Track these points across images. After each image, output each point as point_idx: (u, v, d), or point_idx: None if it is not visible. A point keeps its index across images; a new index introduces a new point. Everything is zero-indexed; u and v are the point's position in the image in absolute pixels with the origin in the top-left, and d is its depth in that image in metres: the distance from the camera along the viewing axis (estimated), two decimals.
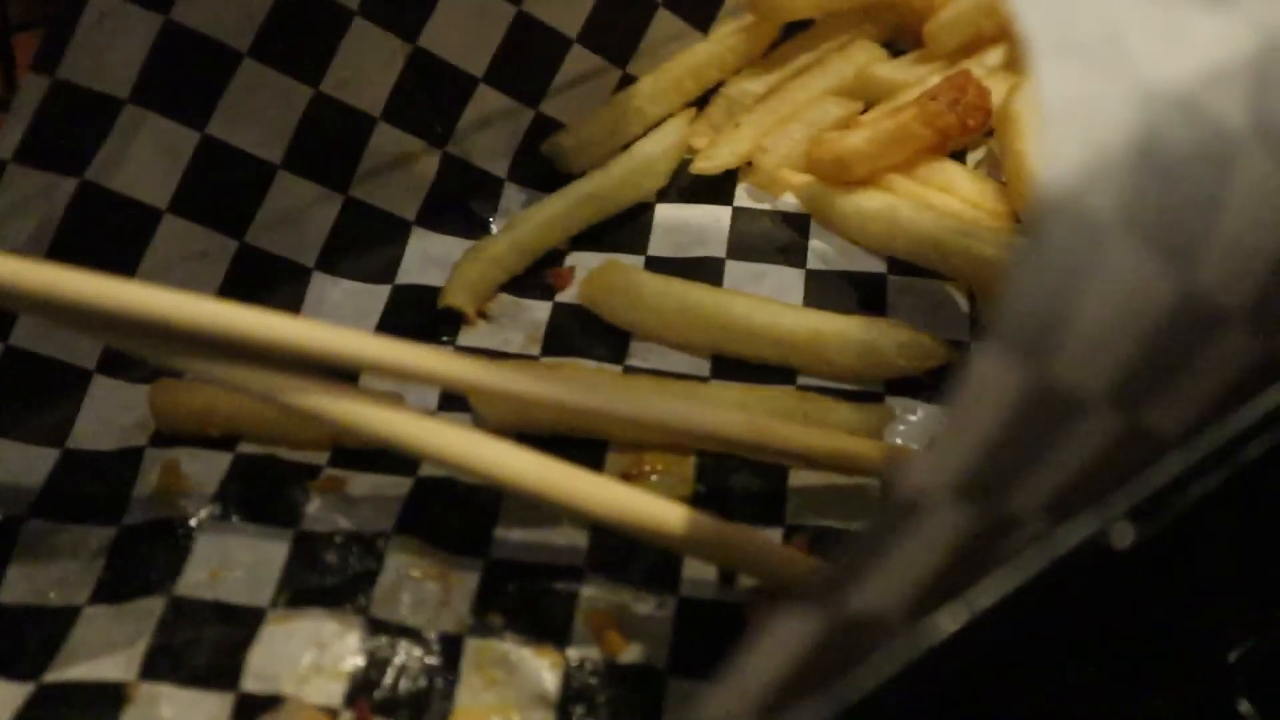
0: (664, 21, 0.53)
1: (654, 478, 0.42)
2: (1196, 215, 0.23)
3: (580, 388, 0.40)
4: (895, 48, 0.55)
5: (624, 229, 0.50)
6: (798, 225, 0.49)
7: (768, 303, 0.45)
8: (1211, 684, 0.35)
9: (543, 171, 0.51)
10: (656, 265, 0.48)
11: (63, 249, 0.42)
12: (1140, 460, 0.27)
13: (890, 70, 0.52)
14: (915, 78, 0.51)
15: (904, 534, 0.24)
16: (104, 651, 0.37)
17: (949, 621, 0.24)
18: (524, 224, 0.48)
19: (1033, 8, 0.23)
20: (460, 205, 0.50)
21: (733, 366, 0.45)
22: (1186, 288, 0.24)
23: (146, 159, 0.43)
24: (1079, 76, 0.22)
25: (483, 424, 0.43)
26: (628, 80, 0.53)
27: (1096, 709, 0.33)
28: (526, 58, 0.49)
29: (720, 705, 0.24)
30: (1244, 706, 0.34)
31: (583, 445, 0.42)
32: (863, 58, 0.53)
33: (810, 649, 0.24)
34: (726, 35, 0.53)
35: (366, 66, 0.46)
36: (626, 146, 0.51)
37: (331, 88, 0.46)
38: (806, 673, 0.25)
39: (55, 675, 0.36)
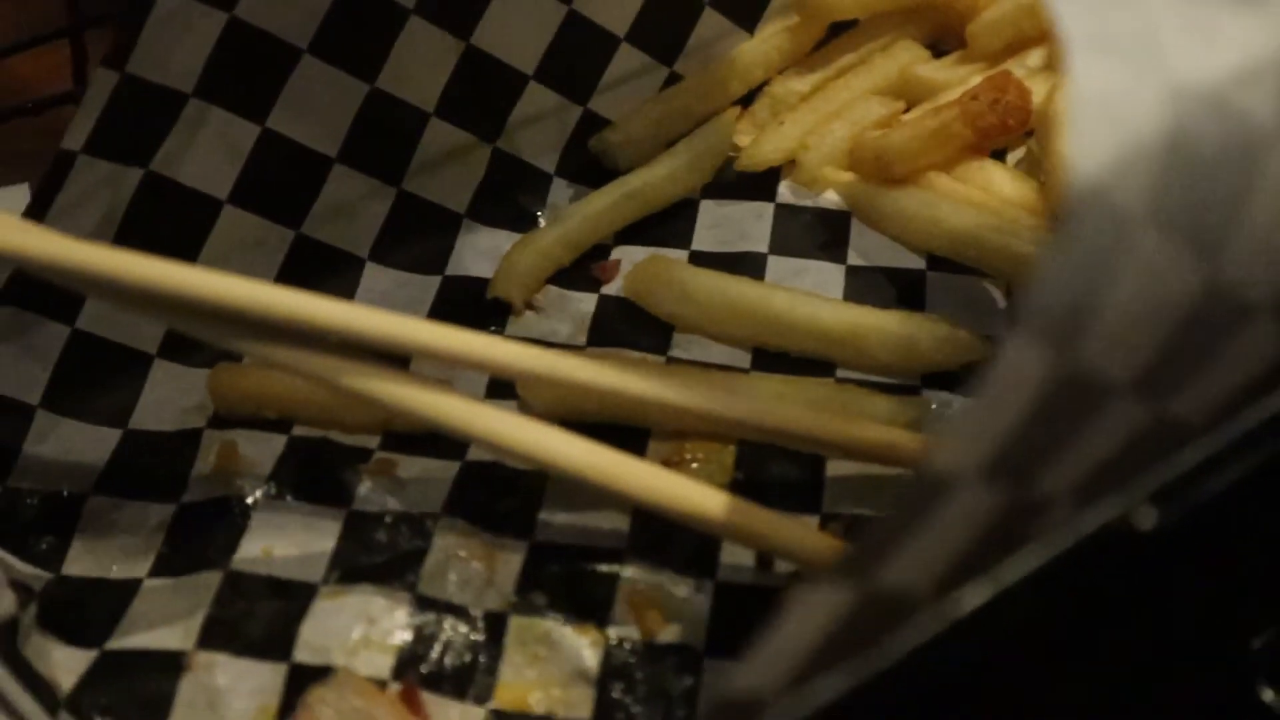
0: (710, 21, 0.54)
1: (694, 465, 0.43)
2: (1223, 210, 0.24)
3: (623, 376, 0.41)
4: (938, 48, 0.55)
5: (669, 224, 0.51)
6: (839, 222, 0.50)
7: (808, 297, 0.46)
8: (1234, 671, 0.35)
9: (590, 167, 0.52)
10: (700, 259, 0.49)
11: (128, 236, 0.44)
12: (1166, 449, 0.28)
13: (932, 70, 0.53)
14: (957, 78, 0.52)
15: (933, 512, 0.25)
16: (163, 622, 0.38)
17: (974, 597, 0.25)
18: (571, 218, 0.49)
19: (1069, 6, 0.24)
20: (509, 199, 0.51)
21: (773, 359, 0.46)
22: (1213, 280, 0.25)
23: (208, 151, 0.45)
24: (1112, 72, 0.23)
25: (529, 410, 0.44)
26: (674, 79, 0.54)
27: (1118, 692, 0.33)
28: (576, 56, 0.51)
29: (751, 677, 0.25)
30: (1268, 695, 0.34)
31: (625, 432, 0.43)
32: (906, 58, 0.54)
33: (839, 621, 0.25)
34: (772, 35, 0.54)
35: (420, 64, 0.47)
36: (672, 143, 0.52)
37: (386, 84, 0.47)
38: (835, 645, 0.26)
39: (117, 643, 0.38)
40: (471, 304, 0.48)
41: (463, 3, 0.47)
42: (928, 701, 0.28)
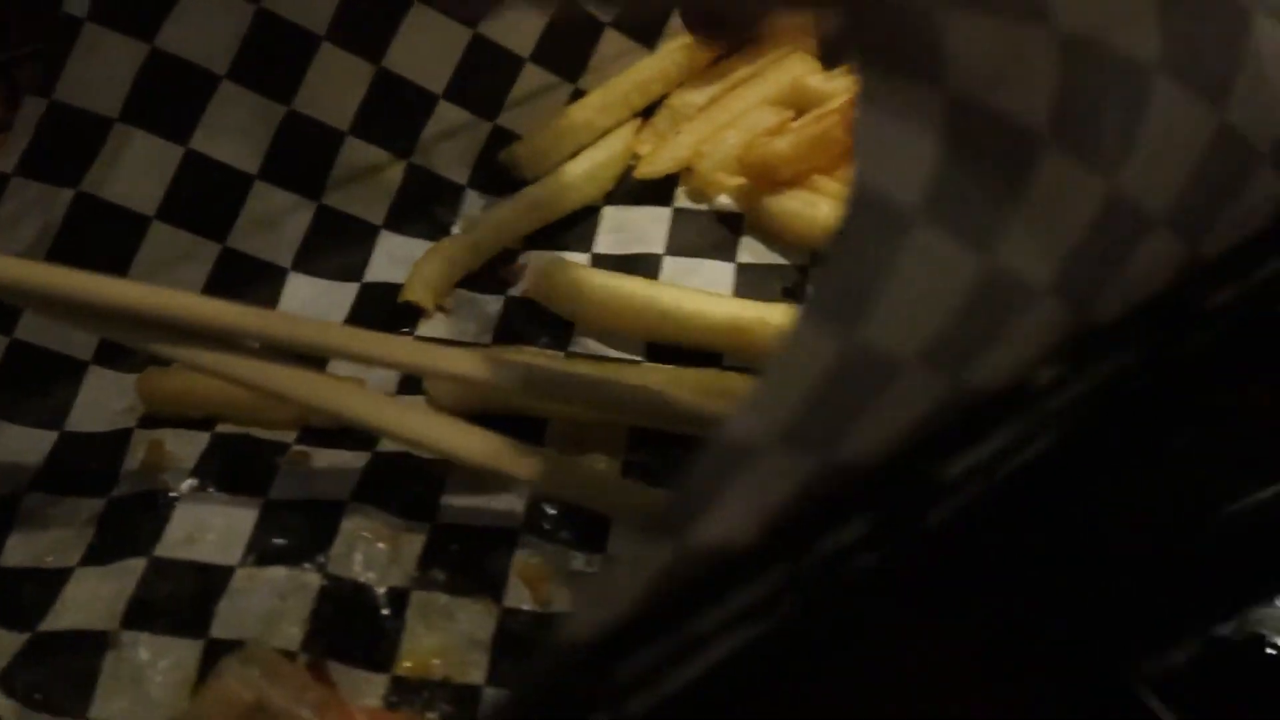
0: (611, 39, 0.57)
1: (590, 450, 0.46)
2: (998, 206, 0.27)
3: (520, 370, 0.44)
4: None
5: (573, 229, 0.54)
6: (731, 223, 0.54)
7: (695, 293, 0.49)
8: (1126, 694, 0.38)
9: (501, 178, 0.56)
10: (600, 261, 0.53)
11: (62, 252, 0.47)
12: (968, 413, 0.31)
13: (821, 81, 0.57)
14: (843, 88, 0.56)
15: (737, 476, 0.27)
16: (91, 605, 0.42)
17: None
18: (480, 226, 0.53)
19: (865, 29, 0.27)
20: (424, 210, 0.54)
21: (667, 352, 0.49)
22: (989, 266, 0.28)
23: (135, 171, 0.48)
24: (897, 88, 0.26)
25: (435, 404, 0.47)
26: (579, 94, 0.57)
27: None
28: (482, 75, 0.54)
29: (579, 628, 0.28)
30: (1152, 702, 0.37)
31: (525, 422, 0.46)
32: (798, 69, 0.58)
33: (661, 577, 0.28)
34: (671, 51, 0.58)
35: (334, 86, 0.51)
36: (577, 154, 0.55)
37: (303, 105, 0.50)
38: (661, 598, 0.29)
39: (47, 626, 0.41)
40: (386, 308, 0.51)
41: (373, 28, 0.51)
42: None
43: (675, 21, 0.59)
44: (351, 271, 0.53)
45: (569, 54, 0.57)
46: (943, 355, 0.29)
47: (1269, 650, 0.37)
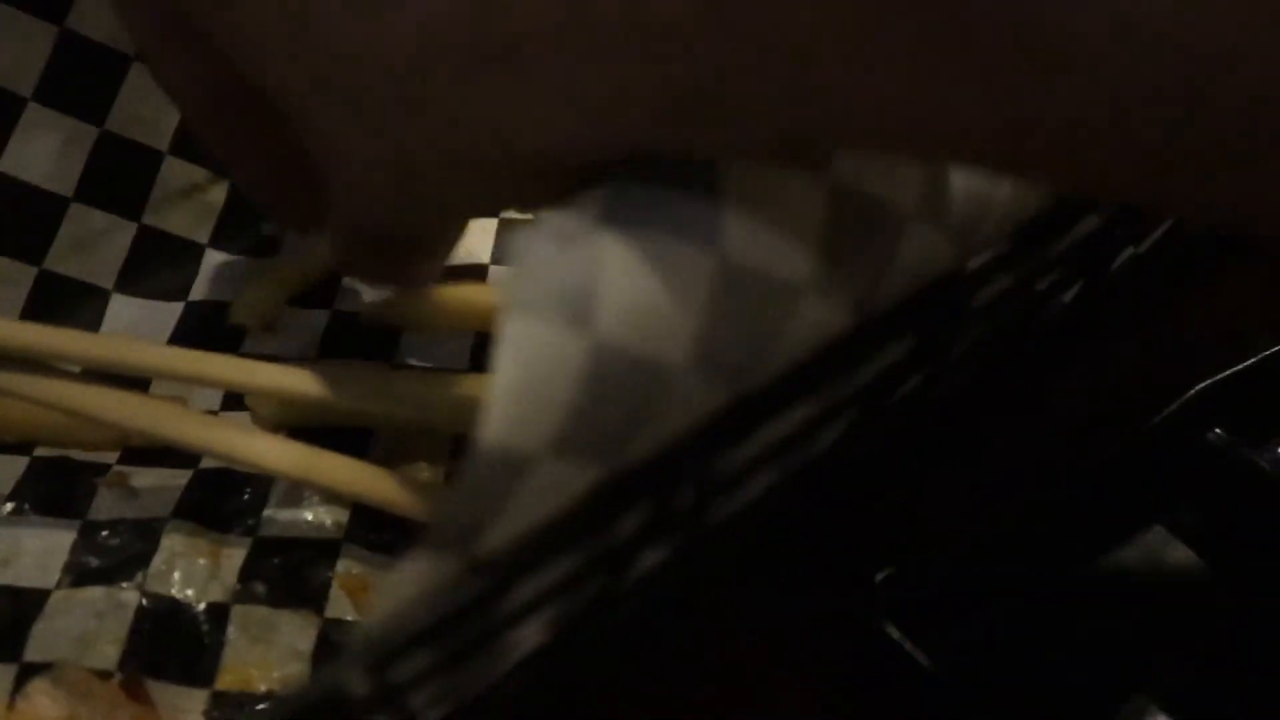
0: None
1: (414, 459, 0.47)
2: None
3: (341, 385, 0.45)
4: None
5: None
6: None
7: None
8: (863, 605, 0.40)
9: None
10: None
11: None
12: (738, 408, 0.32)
13: None
14: None
15: (514, 485, 0.28)
16: None
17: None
18: (310, 253, 0.53)
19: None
20: (250, 227, 0.54)
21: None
22: (721, 260, 0.29)
23: None
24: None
25: (259, 420, 0.47)
26: None
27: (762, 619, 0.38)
28: None
29: (373, 632, 0.28)
30: (891, 630, 0.39)
31: (351, 434, 0.47)
32: None
33: (455, 584, 0.29)
34: None
35: (149, 106, 0.51)
36: None
37: (116, 126, 0.50)
38: (443, 604, 0.29)
39: None
40: (212, 326, 0.51)
41: None
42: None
43: None
44: (175, 291, 0.52)
45: None
46: (719, 359, 0.30)
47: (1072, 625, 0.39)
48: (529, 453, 0.26)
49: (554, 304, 0.25)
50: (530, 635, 0.32)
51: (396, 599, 0.28)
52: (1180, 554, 0.39)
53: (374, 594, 0.43)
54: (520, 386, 0.25)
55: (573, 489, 0.28)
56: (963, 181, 0.33)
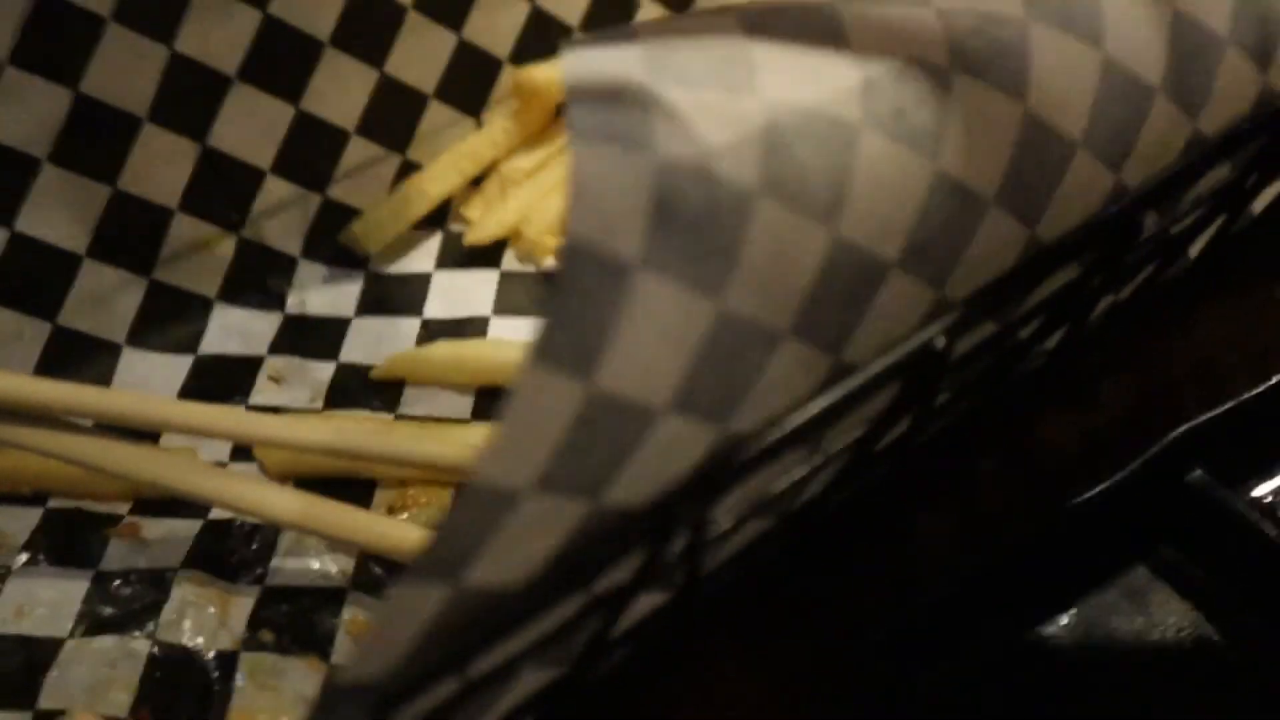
0: (438, 111, 0.60)
1: (416, 510, 0.48)
2: (719, 255, 0.30)
3: (347, 435, 0.46)
4: None
5: (404, 293, 0.56)
6: None
7: (508, 344, 0.52)
8: (854, 645, 0.41)
9: (336, 246, 0.58)
10: (431, 326, 0.55)
11: None
12: (730, 461, 0.33)
13: None
14: None
15: (502, 518, 0.29)
16: None
17: None
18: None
19: (578, 108, 0.29)
20: (257, 282, 0.56)
21: (495, 409, 0.51)
22: (722, 313, 0.31)
23: None
24: (605, 155, 0.28)
25: (267, 471, 0.49)
26: (407, 164, 0.60)
27: None
28: (309, 150, 0.56)
29: (363, 668, 0.29)
30: (883, 668, 0.40)
31: (356, 485, 0.48)
32: None
33: (442, 615, 0.30)
34: (500, 119, 0.60)
35: (159, 165, 0.52)
36: (414, 225, 0.58)
37: (128, 184, 0.52)
38: (451, 633, 0.30)
39: None
40: (222, 379, 0.53)
41: (195, 108, 0.52)
42: None
43: (500, 91, 0.61)
44: (186, 344, 0.54)
45: (396, 127, 0.59)
46: (700, 403, 0.31)
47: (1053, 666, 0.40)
48: (515, 487, 0.28)
49: (564, 355, 0.27)
50: (528, 678, 0.33)
51: (384, 627, 0.29)
52: (1162, 594, 0.40)
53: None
54: (514, 428, 0.27)
55: (559, 523, 0.30)
56: (942, 235, 0.34)
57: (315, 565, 0.46)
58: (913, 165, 0.33)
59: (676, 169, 0.29)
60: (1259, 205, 0.51)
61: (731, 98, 0.32)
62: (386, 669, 0.30)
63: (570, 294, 0.27)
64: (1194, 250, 0.50)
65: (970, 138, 0.34)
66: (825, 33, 0.33)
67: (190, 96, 0.52)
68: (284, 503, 0.43)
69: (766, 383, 0.33)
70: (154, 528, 0.47)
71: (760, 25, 0.32)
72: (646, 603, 0.36)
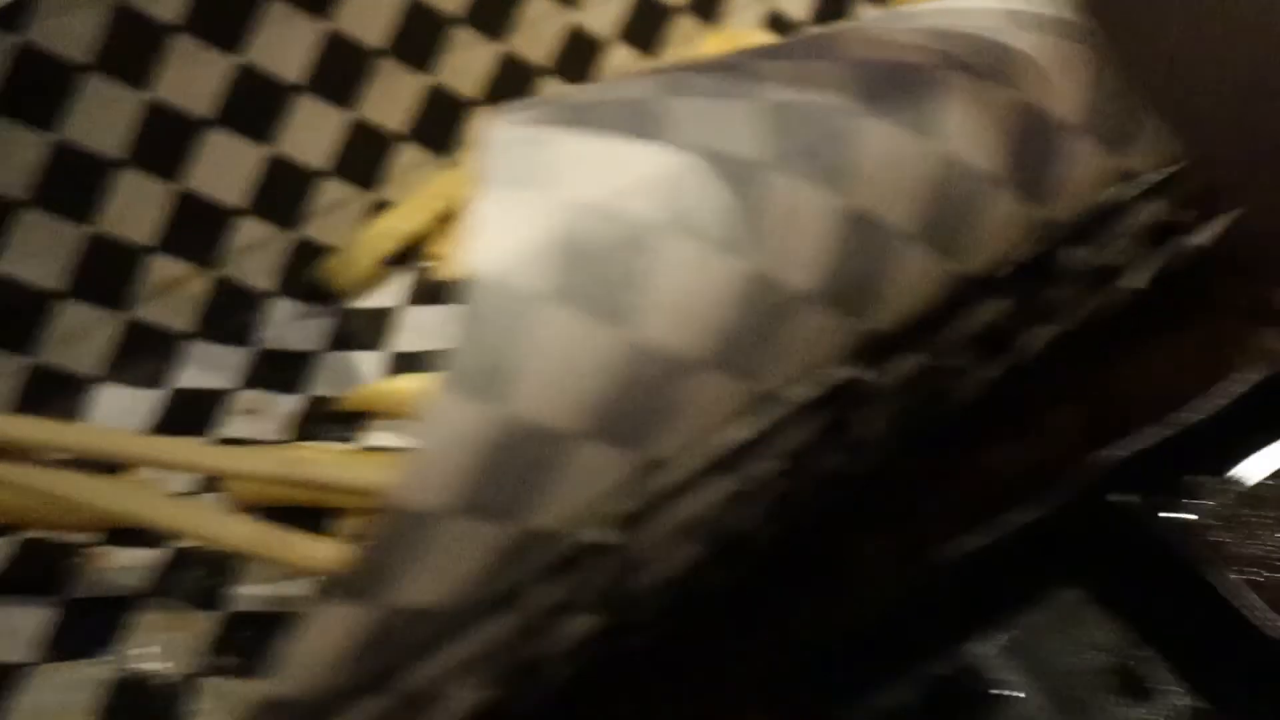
0: (409, 152, 0.61)
1: None
2: (626, 285, 0.31)
3: (308, 466, 0.47)
4: None
5: (373, 329, 0.58)
6: None
7: None
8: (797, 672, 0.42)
9: (308, 282, 0.59)
10: (402, 359, 0.56)
11: None
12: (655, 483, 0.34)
13: None
14: None
15: (424, 541, 0.30)
16: None
17: None
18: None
19: (492, 159, 0.31)
20: (230, 318, 0.58)
21: None
22: (631, 341, 0.32)
23: None
24: (513, 198, 0.30)
25: (234, 500, 0.50)
26: (380, 202, 0.61)
27: None
28: (282, 190, 0.58)
29: (282, 686, 0.30)
30: (820, 697, 0.41)
31: (323, 513, 0.49)
32: None
33: (369, 632, 0.31)
34: (469, 159, 0.62)
35: (134, 206, 0.54)
36: (387, 261, 0.60)
37: (103, 226, 0.53)
38: (378, 650, 0.31)
39: None
40: (194, 411, 0.54)
41: (167, 152, 0.54)
42: None
43: (470, 131, 0.63)
44: (160, 380, 0.55)
45: (368, 167, 0.60)
46: (616, 429, 0.32)
47: (988, 689, 0.41)
48: (435, 510, 0.29)
49: (476, 380, 0.28)
50: (461, 696, 0.35)
51: (304, 644, 0.30)
52: (1094, 615, 0.41)
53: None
54: (432, 453, 0.28)
55: (480, 545, 0.31)
56: (857, 263, 0.35)
57: (279, 591, 0.47)
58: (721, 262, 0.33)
59: (584, 207, 0.31)
60: (1206, 236, 0.52)
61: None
62: (311, 685, 0.31)
63: (478, 325, 0.28)
64: (1142, 281, 0.51)
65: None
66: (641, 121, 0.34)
67: (166, 140, 0.54)
68: (244, 532, 0.44)
69: (683, 409, 0.34)
70: (121, 556, 0.48)
71: (583, 111, 0.33)
72: (580, 625, 0.37)
